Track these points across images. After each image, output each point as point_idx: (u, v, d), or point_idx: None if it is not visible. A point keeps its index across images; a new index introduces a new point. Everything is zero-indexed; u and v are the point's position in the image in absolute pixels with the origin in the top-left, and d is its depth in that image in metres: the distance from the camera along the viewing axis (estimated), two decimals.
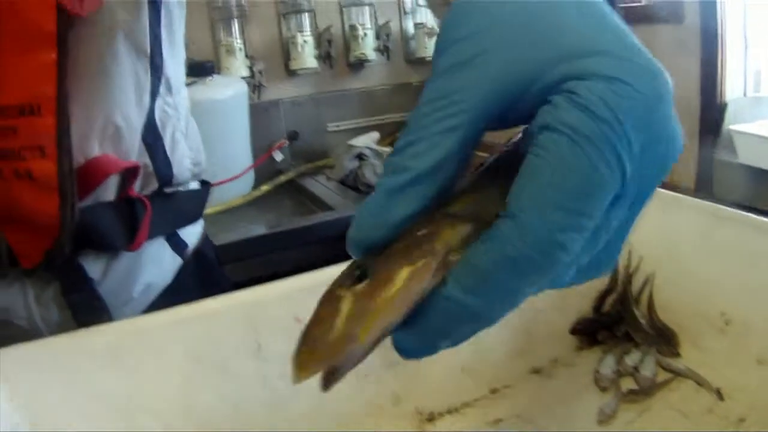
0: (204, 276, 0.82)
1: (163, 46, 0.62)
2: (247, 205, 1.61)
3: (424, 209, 0.26)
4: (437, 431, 0.55)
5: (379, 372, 0.54)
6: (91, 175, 0.57)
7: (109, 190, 0.61)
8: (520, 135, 0.30)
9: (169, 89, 0.66)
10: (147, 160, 0.64)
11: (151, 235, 0.66)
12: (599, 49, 0.26)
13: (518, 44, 0.27)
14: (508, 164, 0.27)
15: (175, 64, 0.66)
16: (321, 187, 1.65)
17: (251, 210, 1.60)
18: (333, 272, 0.48)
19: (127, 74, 0.57)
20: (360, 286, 0.25)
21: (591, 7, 0.28)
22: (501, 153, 0.30)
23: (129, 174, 0.61)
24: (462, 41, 0.28)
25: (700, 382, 0.56)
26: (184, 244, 0.76)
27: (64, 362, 0.45)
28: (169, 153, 0.67)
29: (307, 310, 0.48)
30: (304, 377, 0.25)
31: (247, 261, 1.30)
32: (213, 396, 0.49)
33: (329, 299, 0.26)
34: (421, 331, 0.26)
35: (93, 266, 0.62)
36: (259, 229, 1.36)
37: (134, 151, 0.61)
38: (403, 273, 0.25)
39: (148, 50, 0.59)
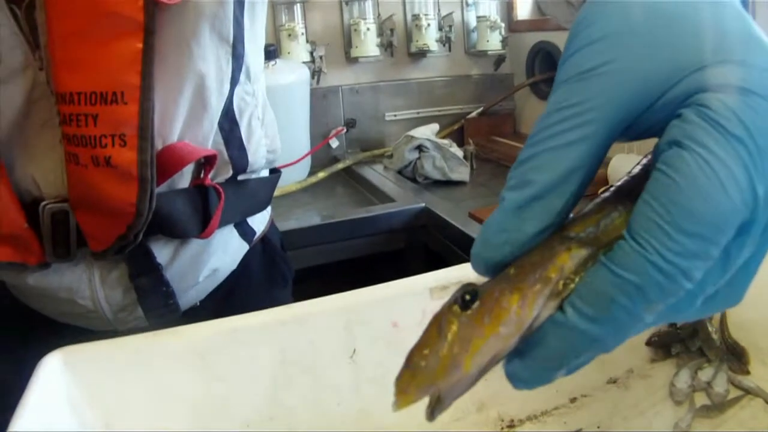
0: (269, 262, 0.82)
1: (245, 34, 0.62)
2: (303, 191, 1.61)
3: (553, 225, 0.25)
4: None
5: None
6: (169, 162, 0.57)
7: (184, 177, 0.61)
8: (649, 157, 0.28)
9: (248, 77, 0.65)
10: (222, 148, 0.63)
11: (223, 223, 0.66)
12: (734, 57, 0.24)
13: (653, 51, 0.25)
14: (636, 187, 0.26)
15: (255, 52, 0.66)
16: (378, 176, 1.64)
17: (306, 196, 1.60)
18: (431, 279, 0.49)
19: (210, 62, 0.57)
20: (468, 312, 0.24)
21: (727, 10, 0.26)
22: (629, 176, 0.28)
23: (206, 162, 0.61)
24: (594, 44, 0.26)
25: None
26: (253, 232, 0.76)
27: (145, 361, 0.44)
28: (245, 141, 0.67)
29: (404, 316, 0.48)
30: (405, 403, 0.24)
31: (304, 249, 1.30)
32: (302, 401, 0.48)
33: (436, 323, 0.25)
34: (536, 361, 0.25)
35: (161, 251, 0.62)
36: (316, 218, 1.36)
37: (211, 138, 0.61)
38: (513, 300, 0.24)
39: (231, 38, 0.58)
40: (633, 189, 0.26)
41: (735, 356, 0.61)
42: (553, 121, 0.25)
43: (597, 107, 0.25)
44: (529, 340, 0.25)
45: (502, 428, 0.55)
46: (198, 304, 0.71)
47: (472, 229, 1.22)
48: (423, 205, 1.37)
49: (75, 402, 0.42)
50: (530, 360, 0.25)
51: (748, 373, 0.59)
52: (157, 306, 0.62)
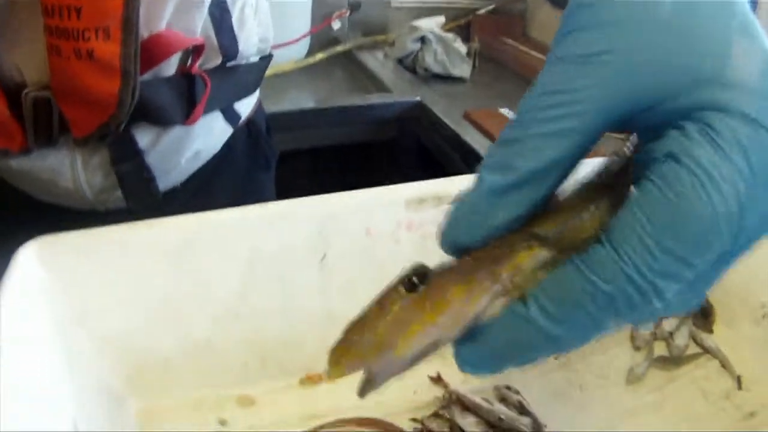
0: (253, 145, 0.82)
1: None
2: (299, 72, 1.58)
3: (527, 215, 0.24)
4: None
5: None
6: (154, 51, 0.55)
7: (170, 66, 0.60)
8: (625, 152, 0.27)
9: None
10: (212, 35, 0.62)
11: (208, 110, 0.65)
12: (747, 82, 0.23)
13: (658, 48, 0.23)
14: (609, 183, 0.25)
15: None
16: (377, 63, 1.61)
17: (302, 77, 1.57)
18: (408, 191, 0.49)
19: None
20: (412, 294, 0.24)
21: (741, 19, 0.24)
22: (604, 169, 0.27)
23: (193, 51, 0.60)
24: (594, 29, 0.24)
25: (725, 365, 0.57)
26: (238, 116, 0.75)
27: (119, 253, 0.45)
28: (236, 29, 0.65)
29: (378, 224, 0.49)
30: (337, 374, 0.24)
31: (294, 131, 1.29)
32: (269, 301, 0.50)
33: (380, 301, 0.24)
34: (488, 349, 0.25)
35: (143, 136, 0.62)
36: (310, 101, 1.35)
37: (200, 26, 0.59)
38: (458, 293, 0.24)
39: None
40: (605, 186, 0.25)
41: (702, 312, 0.61)
42: (545, 104, 0.24)
43: (595, 98, 0.23)
44: (483, 325, 0.24)
45: None
46: (179, 185, 0.71)
47: (464, 131, 1.21)
48: (418, 99, 1.35)
49: (49, 292, 0.44)
50: (481, 346, 0.25)
51: (711, 332, 0.60)
52: (138, 191, 0.63)
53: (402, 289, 0.24)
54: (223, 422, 0.51)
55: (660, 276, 0.22)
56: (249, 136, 0.80)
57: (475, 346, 0.25)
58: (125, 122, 0.55)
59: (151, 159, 0.63)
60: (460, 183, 0.50)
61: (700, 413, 0.52)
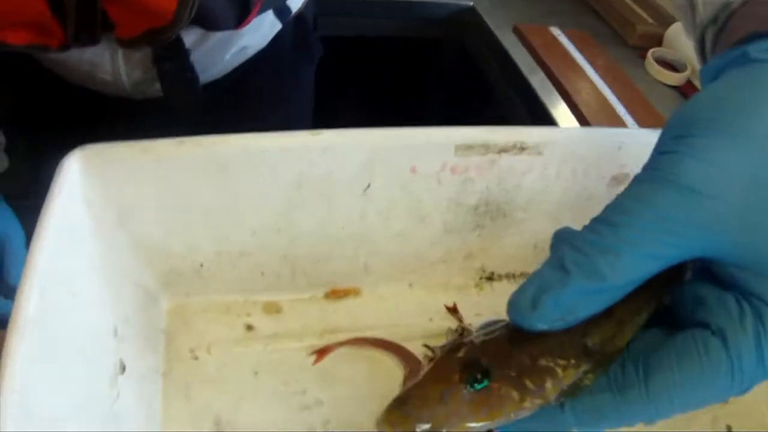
0: (300, 41, 0.81)
1: None
2: None
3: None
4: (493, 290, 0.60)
5: (464, 232, 0.56)
6: None
7: None
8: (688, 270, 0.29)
9: None
10: None
11: (261, 12, 0.63)
12: None
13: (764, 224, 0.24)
14: (654, 287, 0.27)
15: None
16: None
17: None
18: (458, 135, 0.49)
19: None
20: (473, 391, 0.27)
21: None
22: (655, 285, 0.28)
23: None
24: (714, 166, 0.24)
25: None
26: (288, 11, 0.73)
27: (164, 167, 0.45)
28: None
29: (423, 164, 0.50)
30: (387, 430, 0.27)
31: (339, 18, 1.26)
32: (310, 220, 0.51)
33: (443, 384, 0.27)
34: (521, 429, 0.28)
35: (190, 36, 0.61)
36: None
37: None
38: (512, 405, 0.27)
39: None
40: (645, 288, 0.27)
41: None
42: (649, 222, 0.25)
43: (696, 238, 0.25)
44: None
45: (482, 277, 0.59)
46: (221, 77, 0.71)
47: (511, 44, 1.18)
48: (471, 3, 1.30)
49: (92, 198, 0.45)
50: (513, 430, 0.28)
51: None
52: (179, 89, 0.62)
53: (465, 383, 0.27)
54: (249, 327, 0.54)
55: (667, 415, 0.26)
56: (296, 31, 0.79)
57: (508, 429, 0.28)
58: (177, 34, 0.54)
59: (195, 56, 0.62)
60: (511, 134, 0.51)
61: None
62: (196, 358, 0.53)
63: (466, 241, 0.56)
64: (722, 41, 0.35)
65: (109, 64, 0.60)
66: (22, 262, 0.37)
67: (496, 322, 0.31)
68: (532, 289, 0.26)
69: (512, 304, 0.27)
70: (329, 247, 0.54)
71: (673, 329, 0.27)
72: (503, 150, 0.51)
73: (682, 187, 0.24)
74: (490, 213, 0.55)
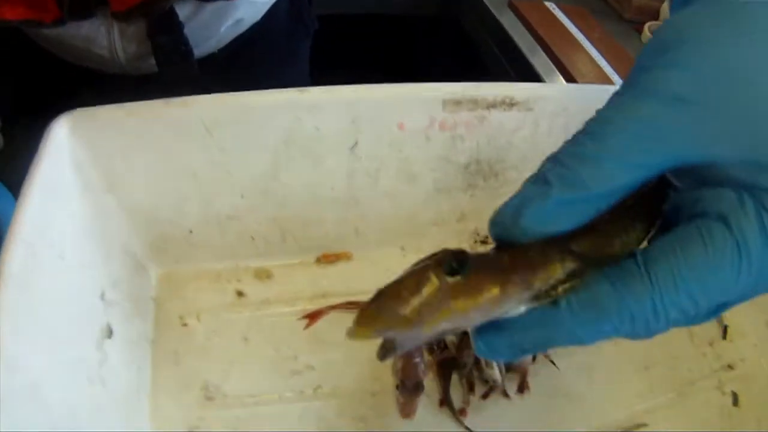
0: (294, 13, 0.80)
1: None
2: None
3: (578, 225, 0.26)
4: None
5: (455, 192, 0.55)
6: None
7: None
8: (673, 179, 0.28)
9: None
10: None
11: None
12: None
13: (749, 119, 0.24)
14: (644, 203, 0.27)
15: None
16: None
17: None
18: (447, 90, 0.48)
19: None
20: (450, 280, 0.25)
21: None
22: (642, 192, 0.28)
23: None
24: (691, 72, 0.24)
25: None
26: None
27: (152, 129, 0.45)
28: None
29: (411, 119, 0.49)
30: (361, 336, 0.25)
31: None
32: (297, 180, 0.50)
33: (417, 275, 0.25)
34: (510, 340, 0.27)
35: (184, 8, 0.60)
36: None
37: None
38: (493, 291, 0.25)
39: None
40: (639, 204, 0.27)
41: None
42: (632, 131, 0.24)
43: (678, 143, 0.24)
44: (509, 319, 0.26)
45: (476, 241, 0.58)
46: (216, 51, 0.70)
47: (506, 19, 1.17)
48: None
49: (81, 162, 0.44)
50: (507, 337, 0.27)
51: None
52: (173, 62, 0.62)
53: (441, 272, 0.25)
54: (239, 293, 0.54)
55: (675, 308, 0.24)
56: (291, 4, 0.78)
57: (498, 335, 0.27)
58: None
59: (190, 29, 0.61)
60: (499, 89, 0.50)
61: (681, 353, 0.54)
62: (186, 325, 0.52)
63: (458, 202, 0.55)
64: None
65: (104, 40, 0.60)
66: None
67: None
68: (514, 203, 0.26)
69: (493, 219, 0.27)
70: (318, 210, 0.53)
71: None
72: (492, 105, 0.50)
73: (665, 96, 0.24)
74: (481, 172, 0.54)
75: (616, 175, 0.25)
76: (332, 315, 0.52)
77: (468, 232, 0.58)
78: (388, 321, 0.24)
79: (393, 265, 0.55)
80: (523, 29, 1.15)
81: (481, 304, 0.25)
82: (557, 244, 0.26)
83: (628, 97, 0.25)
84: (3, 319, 0.33)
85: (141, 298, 0.52)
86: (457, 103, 0.49)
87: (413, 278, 0.25)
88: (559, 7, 1.19)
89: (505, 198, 0.54)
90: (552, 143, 0.51)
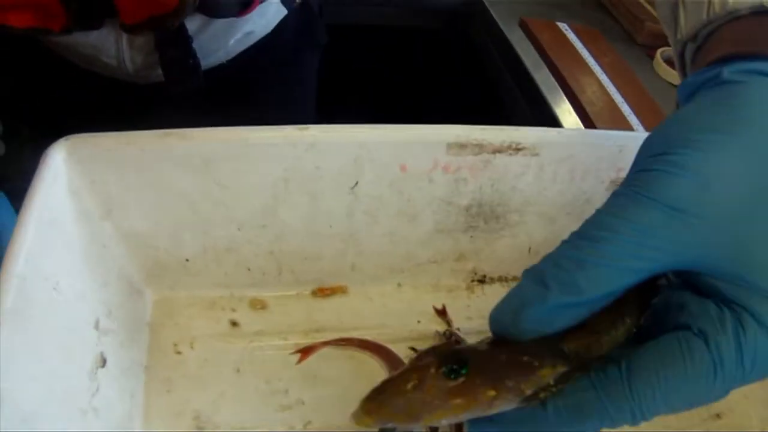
0: (304, 26, 0.80)
1: None
2: None
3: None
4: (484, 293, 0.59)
5: (455, 233, 0.55)
6: None
7: None
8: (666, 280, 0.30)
9: None
10: None
11: None
12: None
13: (741, 239, 0.25)
14: (632, 300, 0.28)
15: None
16: None
17: None
18: (450, 133, 0.48)
19: None
20: (449, 383, 0.27)
21: None
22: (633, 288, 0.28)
23: None
24: (692, 181, 0.25)
25: None
26: None
27: (150, 158, 0.45)
28: None
29: (414, 161, 0.49)
30: (363, 425, 0.27)
31: (342, 6, 1.24)
32: (296, 217, 0.50)
33: (420, 373, 0.27)
34: (499, 430, 0.29)
35: (193, 22, 0.60)
36: None
37: None
38: (488, 396, 0.27)
39: None
40: (624, 301, 0.27)
41: None
42: (630, 240, 0.25)
43: (674, 254, 0.25)
44: (502, 413, 0.28)
45: (473, 280, 0.58)
46: (225, 62, 0.70)
47: (516, 38, 1.16)
48: None
49: (77, 189, 0.44)
50: (499, 428, 0.28)
51: None
52: (181, 75, 0.62)
53: (441, 375, 0.27)
54: (233, 323, 0.53)
55: (651, 413, 0.26)
56: (301, 18, 0.78)
57: (491, 426, 0.29)
58: (181, 21, 0.54)
59: (199, 42, 0.61)
60: (506, 134, 0.49)
61: None
62: (179, 353, 0.52)
63: (457, 242, 0.55)
64: (699, 60, 0.36)
65: (112, 49, 0.60)
66: None
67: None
68: (513, 303, 0.27)
69: (494, 318, 0.28)
70: (316, 245, 0.53)
71: (655, 334, 0.28)
72: (497, 150, 0.49)
73: (661, 205, 0.25)
74: (483, 214, 0.53)
75: (612, 281, 0.26)
76: (325, 350, 0.52)
77: (466, 272, 0.58)
78: (390, 415, 0.27)
79: (389, 302, 0.57)
80: (531, 48, 1.15)
81: (476, 406, 0.27)
82: (549, 345, 0.28)
83: (627, 202, 0.26)
84: None
85: (136, 323, 0.52)
86: (462, 147, 0.49)
87: (415, 375, 0.27)
88: (571, 28, 1.18)
89: (506, 240, 0.54)
90: (557, 188, 0.52)
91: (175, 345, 0.52)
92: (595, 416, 0.26)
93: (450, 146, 0.49)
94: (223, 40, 0.66)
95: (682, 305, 0.27)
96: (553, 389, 0.27)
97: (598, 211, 0.27)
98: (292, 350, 0.52)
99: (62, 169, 0.43)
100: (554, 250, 0.27)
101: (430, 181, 0.50)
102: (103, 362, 0.46)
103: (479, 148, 0.49)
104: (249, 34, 0.69)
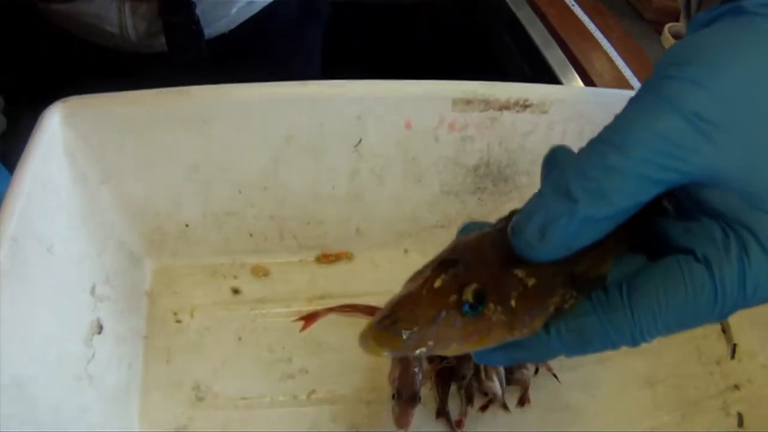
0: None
1: None
2: None
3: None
4: None
5: (463, 196, 0.53)
6: None
7: None
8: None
9: None
10: None
11: None
12: None
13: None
14: (637, 217, 0.26)
15: None
16: None
17: None
18: (457, 89, 0.46)
19: None
20: (464, 317, 0.26)
21: None
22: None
23: None
24: (719, 94, 0.24)
25: (725, 330, 0.56)
26: None
27: (148, 119, 0.43)
28: None
29: (419, 118, 0.47)
30: (373, 353, 0.26)
31: None
32: (298, 178, 0.48)
33: (437, 303, 0.26)
34: (510, 353, 0.28)
35: None
36: None
37: None
38: (502, 333, 0.26)
39: None
40: (631, 218, 0.26)
41: None
42: (654, 146, 0.24)
43: (699, 164, 0.24)
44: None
45: None
46: (227, 32, 0.69)
47: (523, 13, 1.14)
48: None
49: (74, 152, 0.43)
50: (503, 351, 0.28)
51: None
52: (183, 42, 0.61)
53: (458, 311, 0.26)
54: (235, 291, 0.52)
55: (651, 336, 0.26)
56: None
57: (495, 352, 0.28)
58: None
59: (202, 8, 0.60)
60: (513, 90, 0.47)
61: (688, 371, 0.52)
62: (179, 322, 0.50)
63: (465, 205, 0.53)
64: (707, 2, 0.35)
65: (115, 17, 0.59)
66: None
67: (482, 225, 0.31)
68: (539, 219, 0.25)
69: (518, 233, 0.26)
70: (319, 208, 0.51)
71: (656, 255, 0.27)
72: (504, 107, 0.48)
73: (687, 113, 0.24)
74: (491, 175, 0.52)
75: (641, 191, 0.24)
76: (329, 318, 0.51)
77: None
78: (401, 347, 0.25)
79: (395, 268, 0.55)
80: (539, 24, 1.12)
81: (490, 342, 0.26)
82: (561, 269, 0.26)
83: (651, 108, 0.24)
84: None
85: (135, 292, 0.50)
86: (468, 103, 0.47)
87: (430, 305, 0.26)
88: (578, 4, 1.16)
89: (514, 203, 0.52)
90: None
91: (175, 314, 0.51)
92: (597, 340, 0.26)
93: (456, 102, 0.47)
94: (226, 8, 0.65)
95: (685, 226, 0.26)
96: (557, 317, 0.27)
97: (619, 117, 0.25)
98: (296, 318, 0.51)
99: (58, 132, 0.42)
100: (575, 158, 0.25)
101: (435, 139, 0.49)
102: (100, 329, 0.44)
103: (485, 104, 0.47)
104: (251, 2, 0.68)
